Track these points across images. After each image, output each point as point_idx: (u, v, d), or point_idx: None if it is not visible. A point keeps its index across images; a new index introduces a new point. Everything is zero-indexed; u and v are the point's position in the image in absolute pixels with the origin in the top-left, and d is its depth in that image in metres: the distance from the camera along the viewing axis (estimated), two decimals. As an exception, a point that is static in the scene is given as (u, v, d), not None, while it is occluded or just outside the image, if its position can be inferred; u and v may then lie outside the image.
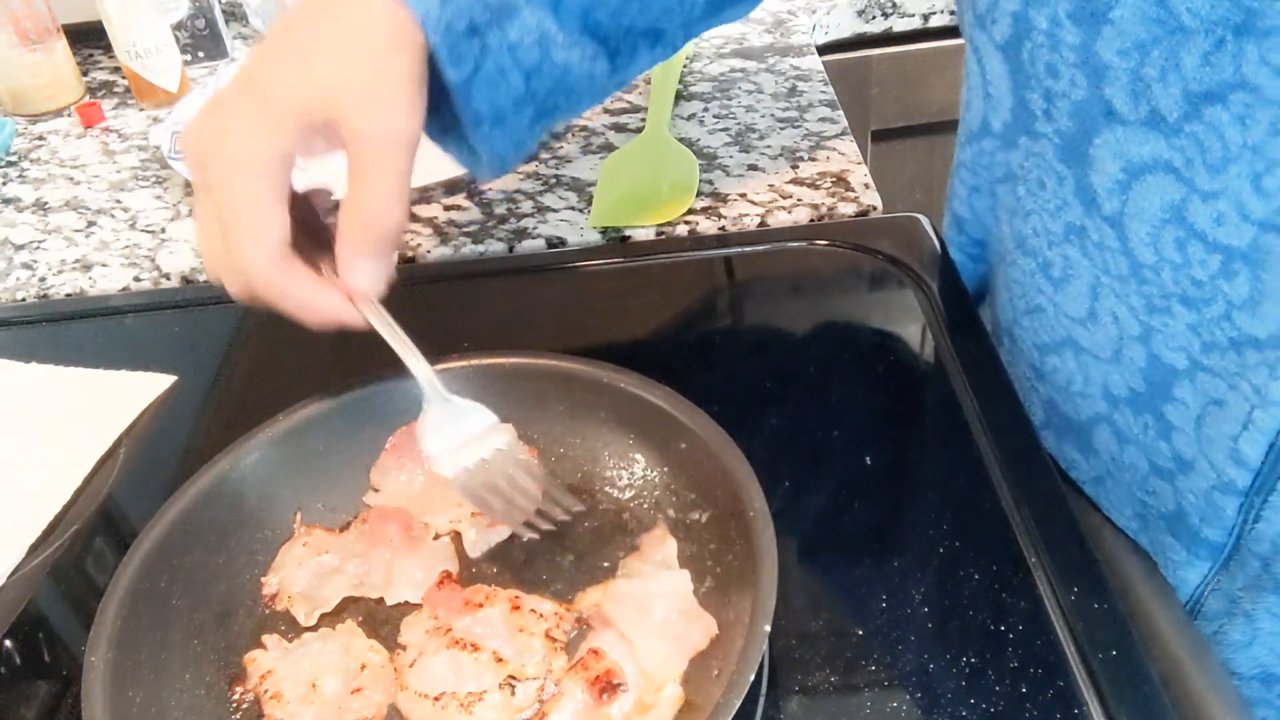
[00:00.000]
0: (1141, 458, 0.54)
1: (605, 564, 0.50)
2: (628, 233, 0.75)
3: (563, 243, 0.75)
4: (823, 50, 1.01)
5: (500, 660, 0.45)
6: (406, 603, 0.50)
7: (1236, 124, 0.42)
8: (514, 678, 0.45)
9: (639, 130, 0.87)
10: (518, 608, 0.47)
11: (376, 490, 0.54)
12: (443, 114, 0.52)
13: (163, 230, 0.82)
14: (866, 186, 0.77)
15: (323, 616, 0.49)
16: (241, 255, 0.47)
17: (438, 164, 0.81)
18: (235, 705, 0.46)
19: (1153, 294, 0.49)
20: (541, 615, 0.47)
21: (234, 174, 0.47)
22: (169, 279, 0.76)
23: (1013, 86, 0.54)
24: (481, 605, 0.47)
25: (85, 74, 1.07)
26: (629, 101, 0.92)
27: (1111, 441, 0.56)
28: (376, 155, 0.47)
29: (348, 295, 0.49)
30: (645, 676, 0.44)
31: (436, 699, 0.44)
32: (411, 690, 0.45)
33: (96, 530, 0.56)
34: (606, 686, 0.43)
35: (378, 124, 0.47)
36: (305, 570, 0.51)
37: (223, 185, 0.47)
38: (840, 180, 0.78)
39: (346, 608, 0.50)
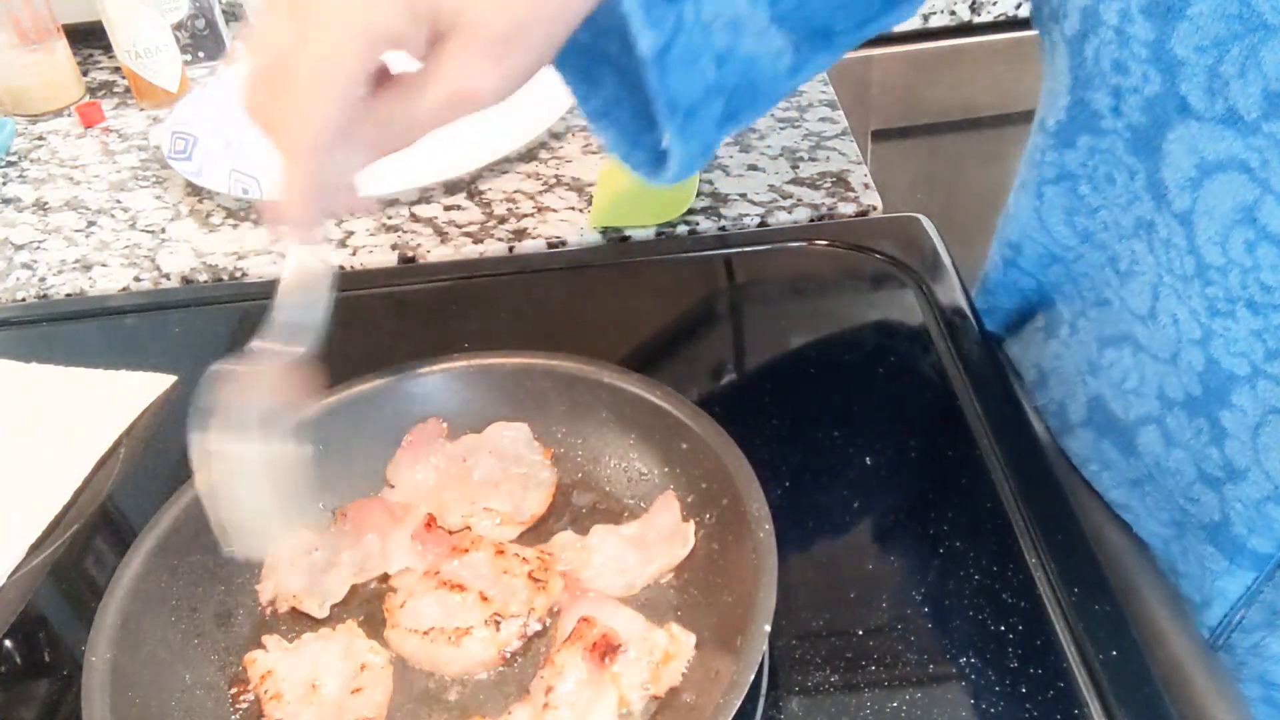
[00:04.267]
0: (1189, 463, 0.53)
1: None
2: (628, 233, 0.75)
3: (563, 243, 0.75)
4: (823, 50, 1.01)
5: (485, 599, 0.48)
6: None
7: None
8: (499, 615, 0.47)
9: (639, 130, 0.87)
10: (502, 552, 0.50)
11: (392, 486, 0.55)
12: (604, 86, 0.48)
13: (163, 230, 0.82)
14: (866, 186, 0.77)
15: (333, 608, 0.50)
16: (300, 100, 0.40)
17: (438, 164, 0.81)
18: (235, 705, 0.46)
19: (1217, 296, 0.48)
20: (525, 559, 0.49)
21: (339, 23, 0.39)
22: (169, 279, 0.76)
23: (1072, 85, 0.52)
24: (467, 550, 0.50)
25: (85, 74, 1.07)
26: (629, 101, 0.92)
27: (1158, 443, 0.55)
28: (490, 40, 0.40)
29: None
30: (645, 627, 0.46)
31: (425, 633, 0.47)
32: (402, 627, 0.47)
33: (96, 530, 0.56)
34: (606, 649, 0.44)
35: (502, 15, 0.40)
36: (298, 569, 0.51)
37: (321, 27, 0.40)
38: (840, 180, 0.78)
39: (350, 601, 0.50)
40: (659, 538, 0.50)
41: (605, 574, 0.49)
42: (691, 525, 0.49)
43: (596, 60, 0.47)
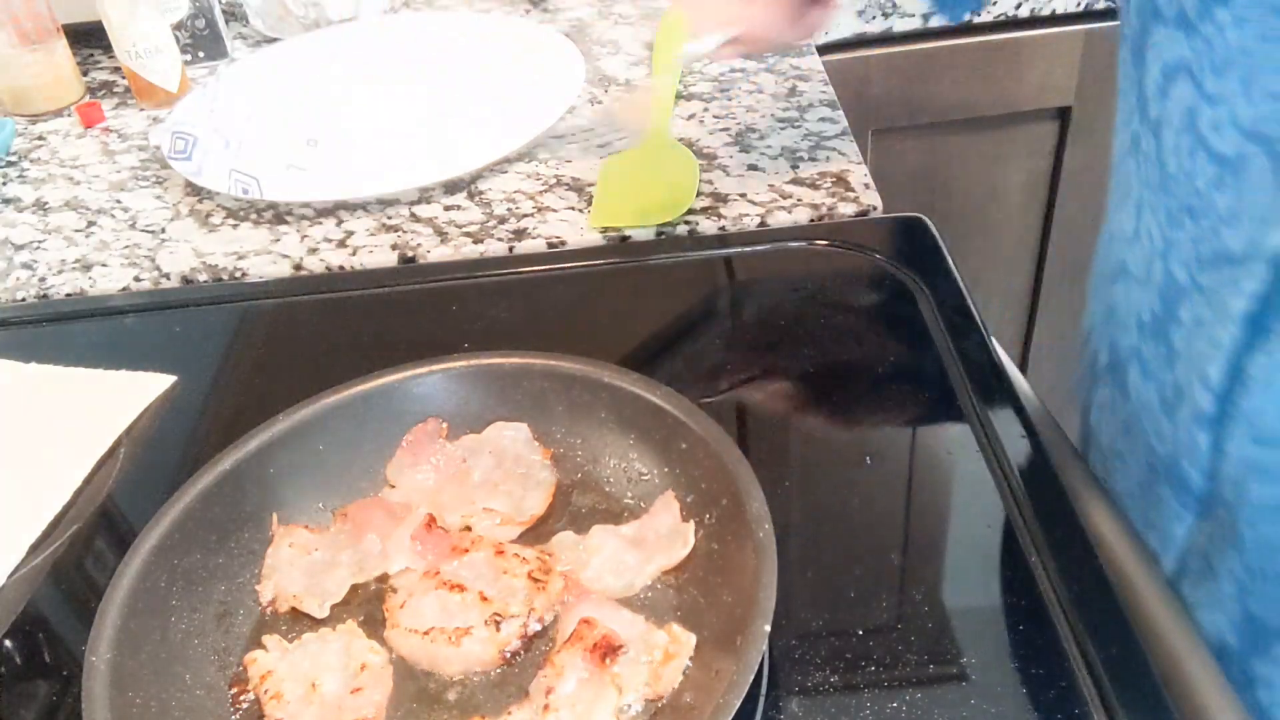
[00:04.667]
0: (1155, 393, 0.53)
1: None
2: (628, 233, 0.75)
3: (563, 243, 0.75)
4: (823, 50, 1.01)
5: (485, 600, 0.48)
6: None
7: (1236, 25, 0.42)
8: (499, 615, 0.47)
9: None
10: (501, 553, 0.50)
11: (392, 486, 0.55)
12: None
13: (163, 230, 0.82)
14: (866, 186, 0.77)
15: (333, 608, 0.50)
16: None
17: (438, 164, 0.81)
18: (235, 705, 0.46)
19: (1172, 206, 0.49)
20: (525, 560, 0.49)
21: None
22: (169, 279, 0.76)
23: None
24: (467, 550, 0.50)
25: (85, 74, 1.07)
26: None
27: (1139, 377, 0.55)
28: None
29: None
30: (645, 627, 0.46)
31: (425, 633, 0.47)
32: (402, 627, 0.47)
33: (96, 530, 0.56)
34: (606, 650, 0.44)
35: None
36: (298, 569, 0.51)
37: None
38: (840, 180, 0.78)
39: (350, 601, 0.50)
40: (658, 537, 0.50)
41: (605, 575, 0.49)
42: (691, 525, 0.49)
43: None
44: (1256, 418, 0.48)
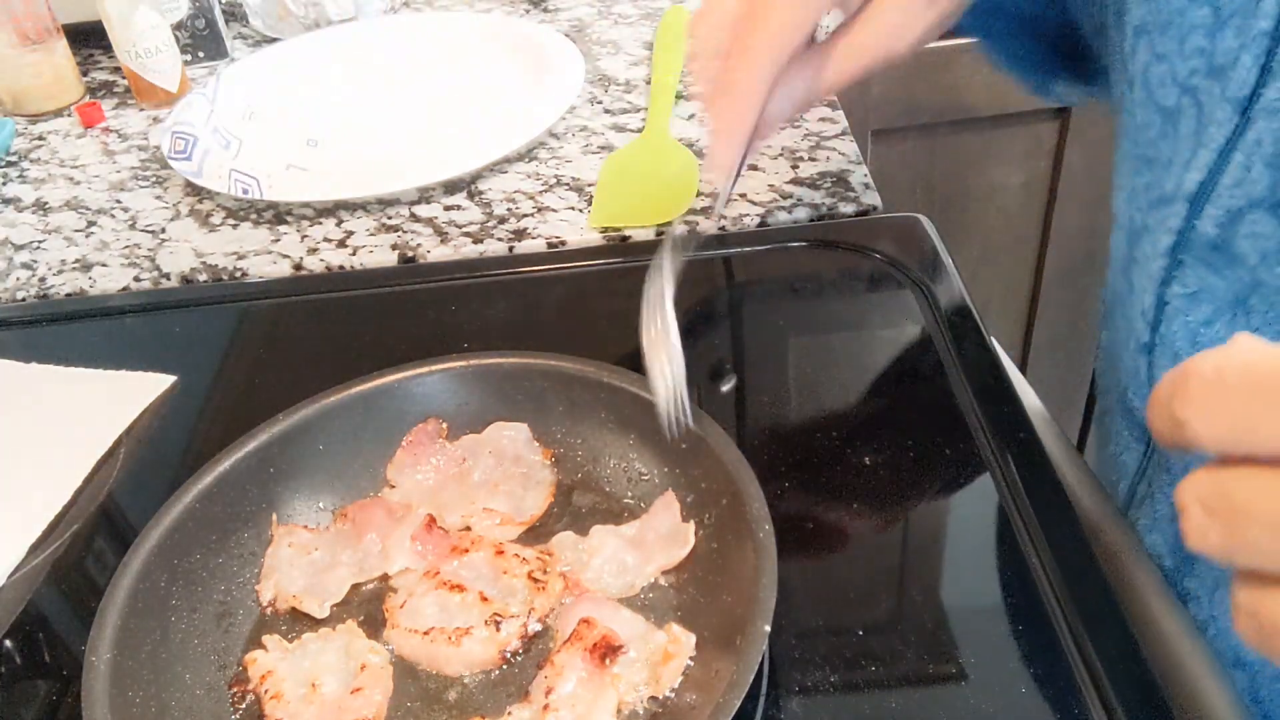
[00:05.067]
0: (1121, 328, 0.57)
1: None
2: (628, 233, 0.75)
3: (563, 243, 0.75)
4: (823, 50, 1.01)
5: (485, 600, 0.48)
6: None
7: None
8: (499, 615, 0.47)
9: (639, 130, 0.87)
10: (501, 553, 0.50)
11: (392, 486, 0.55)
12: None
13: (163, 230, 0.82)
14: (866, 186, 0.77)
15: (333, 608, 0.50)
16: (754, 37, 0.48)
17: (438, 164, 0.81)
18: (235, 705, 0.46)
19: (1135, 154, 0.54)
20: (524, 560, 0.49)
21: None
22: (169, 279, 0.76)
23: None
24: (467, 551, 0.50)
25: (85, 74, 1.07)
26: (629, 101, 0.92)
27: (1116, 315, 0.59)
28: None
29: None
30: (645, 627, 0.46)
31: (425, 633, 0.47)
32: (402, 628, 0.47)
33: (96, 530, 0.56)
34: (606, 650, 0.44)
35: None
36: (298, 570, 0.51)
37: None
38: (840, 180, 0.78)
39: (351, 601, 0.50)
40: (658, 538, 0.50)
41: (605, 575, 0.49)
42: (691, 525, 0.49)
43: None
44: (1173, 343, 0.52)
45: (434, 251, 0.76)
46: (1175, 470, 0.54)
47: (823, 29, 0.51)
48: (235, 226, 0.81)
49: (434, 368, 0.56)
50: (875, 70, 0.51)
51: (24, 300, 0.76)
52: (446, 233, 0.77)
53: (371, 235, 0.78)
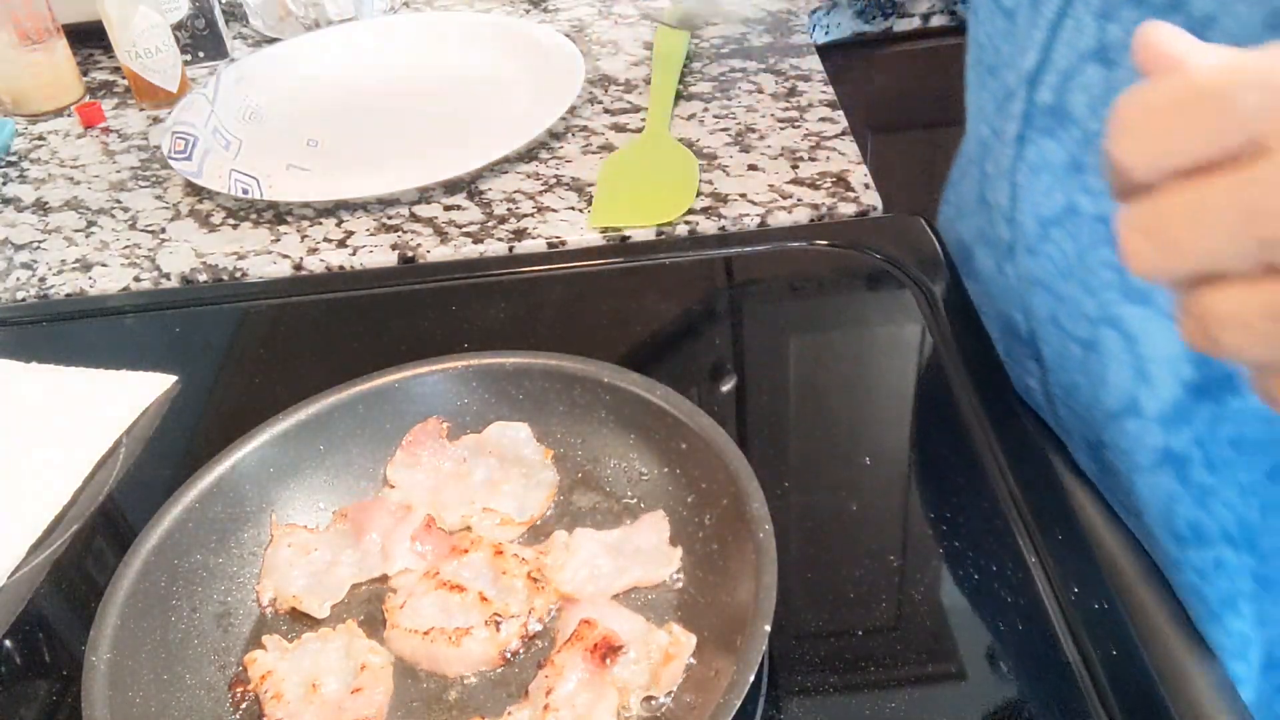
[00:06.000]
0: (996, 245, 0.62)
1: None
2: (628, 233, 0.75)
3: (563, 243, 0.75)
4: (823, 50, 1.01)
5: (485, 600, 0.48)
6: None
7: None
8: (499, 615, 0.47)
9: (639, 130, 0.87)
10: (501, 553, 0.50)
11: (392, 486, 0.55)
12: None
13: (163, 230, 0.82)
14: (866, 187, 0.77)
15: (333, 608, 0.50)
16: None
17: (438, 164, 0.81)
18: (235, 705, 0.46)
19: (982, 72, 0.60)
20: (524, 560, 0.49)
21: None
22: (169, 279, 0.76)
23: None
24: (467, 551, 0.50)
25: (85, 74, 1.07)
26: (629, 101, 0.92)
27: (983, 253, 0.64)
28: None
29: None
30: (645, 627, 0.46)
31: (425, 634, 0.47)
32: (402, 628, 0.47)
33: (96, 530, 0.56)
34: (607, 651, 0.44)
35: None
36: (298, 570, 0.51)
37: None
38: (840, 180, 0.78)
39: (351, 601, 0.50)
40: (638, 552, 0.49)
41: (579, 577, 0.49)
42: (678, 550, 0.49)
43: None
44: (1024, 229, 0.56)
45: (434, 251, 0.76)
46: (1048, 364, 0.59)
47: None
48: (235, 226, 0.81)
49: (434, 368, 0.56)
50: None
51: (24, 300, 0.76)
52: (446, 233, 0.77)
53: (371, 235, 0.78)
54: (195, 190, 0.86)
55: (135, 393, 0.64)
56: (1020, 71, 0.54)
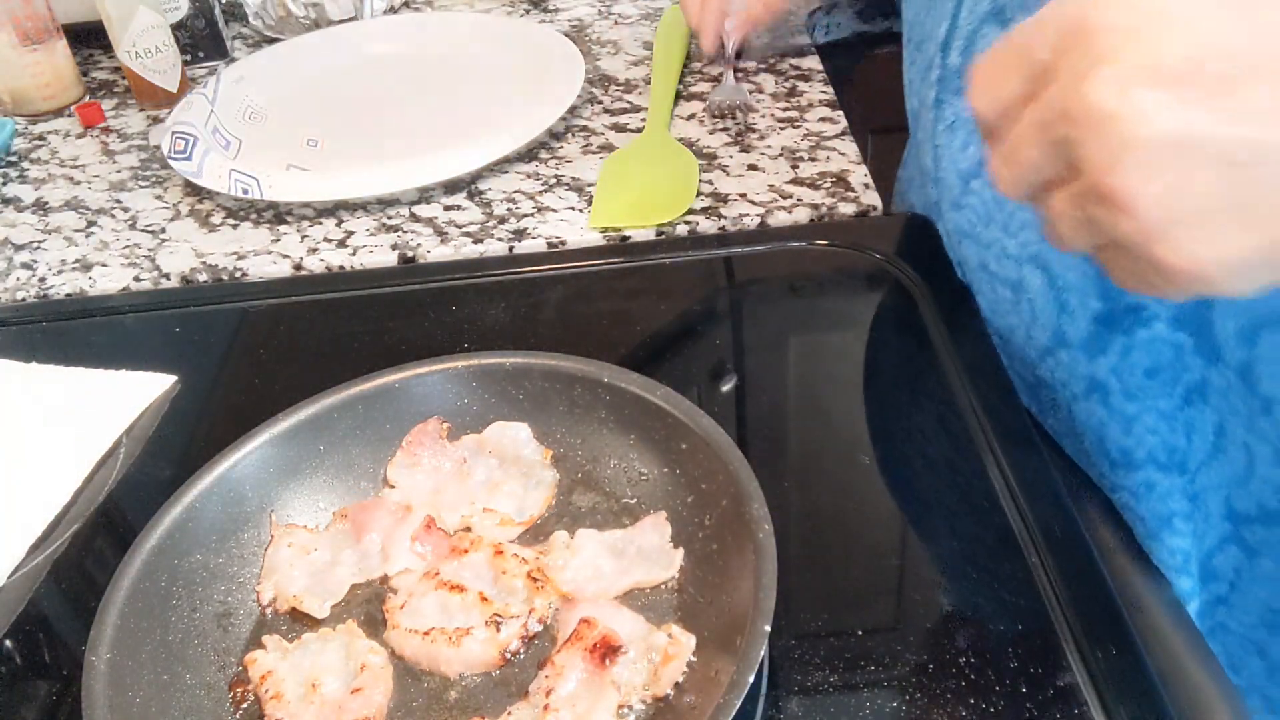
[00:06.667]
0: (935, 200, 0.67)
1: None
2: (628, 233, 0.75)
3: (563, 243, 0.75)
4: (823, 50, 1.01)
5: (485, 600, 0.48)
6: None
7: None
8: (499, 615, 0.47)
9: (639, 130, 0.87)
10: (501, 553, 0.50)
11: (392, 486, 0.55)
12: None
13: (163, 230, 0.82)
14: (866, 187, 0.77)
15: (333, 608, 0.50)
16: None
17: (438, 164, 0.81)
18: (235, 705, 0.46)
19: (911, 49, 0.65)
20: (524, 560, 0.49)
21: None
22: (169, 279, 0.76)
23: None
24: (467, 551, 0.50)
25: (85, 74, 1.07)
26: (629, 101, 0.92)
27: (932, 207, 0.68)
28: None
29: None
30: (645, 628, 0.46)
31: (426, 634, 0.47)
32: (402, 628, 0.47)
33: (96, 530, 0.56)
34: (606, 651, 0.44)
35: None
36: (299, 570, 0.51)
37: None
38: (840, 180, 0.78)
39: (351, 601, 0.50)
40: (640, 553, 0.49)
41: (580, 578, 0.49)
42: (680, 552, 0.49)
43: None
44: (948, 183, 0.59)
45: (434, 251, 0.76)
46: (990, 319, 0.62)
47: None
48: (235, 226, 0.81)
49: (434, 368, 0.56)
50: None
51: (24, 300, 0.76)
52: (446, 233, 0.77)
53: (371, 235, 0.78)
54: (195, 190, 0.86)
55: (135, 393, 0.64)
56: (936, 40, 0.59)
